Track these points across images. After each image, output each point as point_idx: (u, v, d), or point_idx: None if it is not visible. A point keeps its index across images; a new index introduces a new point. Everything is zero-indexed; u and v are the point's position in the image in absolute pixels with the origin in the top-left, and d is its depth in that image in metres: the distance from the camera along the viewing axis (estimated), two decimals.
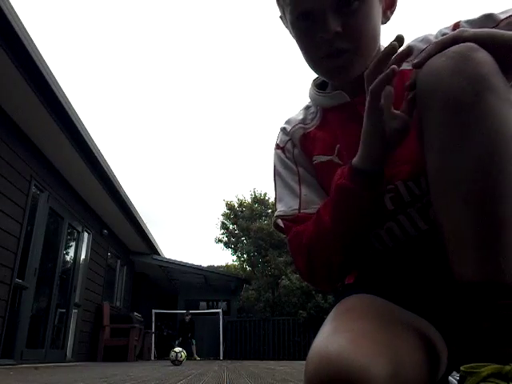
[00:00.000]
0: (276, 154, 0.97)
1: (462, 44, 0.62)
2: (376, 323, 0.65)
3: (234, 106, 60.48)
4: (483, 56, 0.60)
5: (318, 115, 0.93)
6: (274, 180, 0.97)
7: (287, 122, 0.97)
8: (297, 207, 0.88)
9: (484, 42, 0.62)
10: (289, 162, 0.94)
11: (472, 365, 0.55)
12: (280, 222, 0.92)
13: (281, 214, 0.91)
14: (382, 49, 0.87)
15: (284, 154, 0.95)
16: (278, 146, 0.97)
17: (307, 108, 0.96)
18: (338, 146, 0.86)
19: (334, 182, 0.76)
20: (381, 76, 0.65)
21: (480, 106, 0.58)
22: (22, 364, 5.24)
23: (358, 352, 0.56)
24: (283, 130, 0.97)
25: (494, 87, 0.58)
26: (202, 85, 67.01)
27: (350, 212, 0.74)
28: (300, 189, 0.91)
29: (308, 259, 0.81)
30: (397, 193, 0.79)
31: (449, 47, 0.62)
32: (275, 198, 0.97)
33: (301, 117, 0.96)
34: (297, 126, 0.94)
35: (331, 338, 0.60)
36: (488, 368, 0.53)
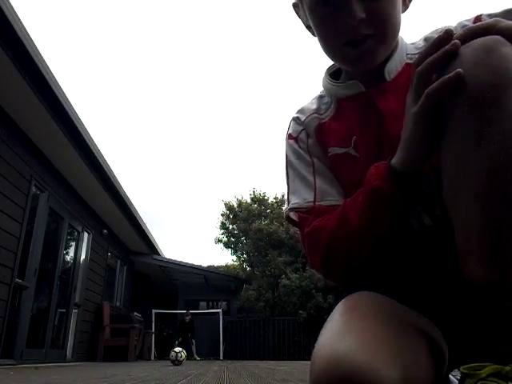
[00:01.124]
0: (288, 145, 0.93)
1: (489, 36, 0.59)
2: (384, 323, 0.64)
3: (233, 107, 60.47)
4: (510, 50, 0.57)
5: (333, 105, 0.89)
6: (287, 171, 0.94)
7: (300, 112, 0.94)
8: (312, 199, 0.86)
9: None
10: (303, 152, 0.91)
11: (472, 365, 0.55)
12: (293, 214, 0.89)
13: (295, 206, 0.88)
14: (400, 40, 0.83)
15: (297, 144, 0.91)
16: (290, 136, 0.93)
17: (320, 97, 0.93)
18: (355, 137, 0.84)
19: (367, 181, 0.73)
20: (445, 78, 0.59)
21: (503, 101, 0.56)
22: (21, 364, 5.24)
23: (368, 353, 0.55)
24: (296, 119, 0.93)
25: None
26: (201, 86, 67.00)
27: (382, 213, 0.72)
28: (315, 180, 0.88)
29: (326, 255, 0.79)
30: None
31: (480, 36, 0.60)
32: (288, 190, 0.93)
33: (314, 106, 0.92)
34: (311, 116, 0.91)
35: (339, 337, 0.59)
36: (488, 369, 0.54)
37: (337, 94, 0.88)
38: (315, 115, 0.91)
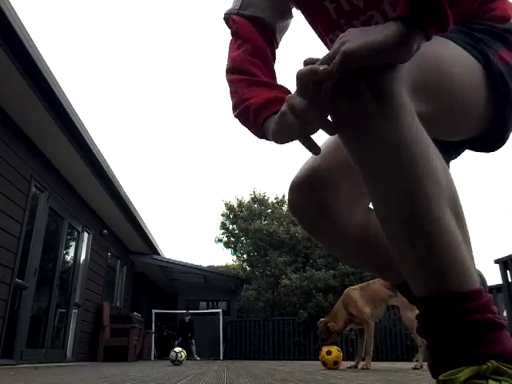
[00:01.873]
0: None
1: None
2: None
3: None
4: None
5: None
6: None
7: None
8: (238, 7, 0.89)
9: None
10: None
11: (449, 372, 0.55)
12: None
13: (226, 12, 0.92)
14: None
15: None
16: None
17: None
18: None
19: (273, 98, 0.78)
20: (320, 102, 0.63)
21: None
22: (22, 364, 5.24)
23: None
24: None
25: None
26: (201, 86, 67.03)
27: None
28: None
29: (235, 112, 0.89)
30: (338, 3, 0.80)
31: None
32: None
33: None
34: None
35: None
36: (465, 372, 0.53)
37: None
38: None
